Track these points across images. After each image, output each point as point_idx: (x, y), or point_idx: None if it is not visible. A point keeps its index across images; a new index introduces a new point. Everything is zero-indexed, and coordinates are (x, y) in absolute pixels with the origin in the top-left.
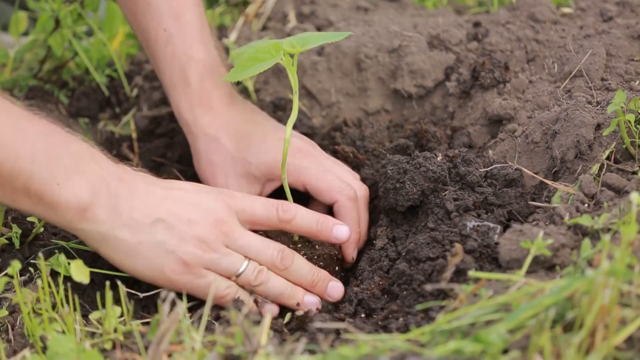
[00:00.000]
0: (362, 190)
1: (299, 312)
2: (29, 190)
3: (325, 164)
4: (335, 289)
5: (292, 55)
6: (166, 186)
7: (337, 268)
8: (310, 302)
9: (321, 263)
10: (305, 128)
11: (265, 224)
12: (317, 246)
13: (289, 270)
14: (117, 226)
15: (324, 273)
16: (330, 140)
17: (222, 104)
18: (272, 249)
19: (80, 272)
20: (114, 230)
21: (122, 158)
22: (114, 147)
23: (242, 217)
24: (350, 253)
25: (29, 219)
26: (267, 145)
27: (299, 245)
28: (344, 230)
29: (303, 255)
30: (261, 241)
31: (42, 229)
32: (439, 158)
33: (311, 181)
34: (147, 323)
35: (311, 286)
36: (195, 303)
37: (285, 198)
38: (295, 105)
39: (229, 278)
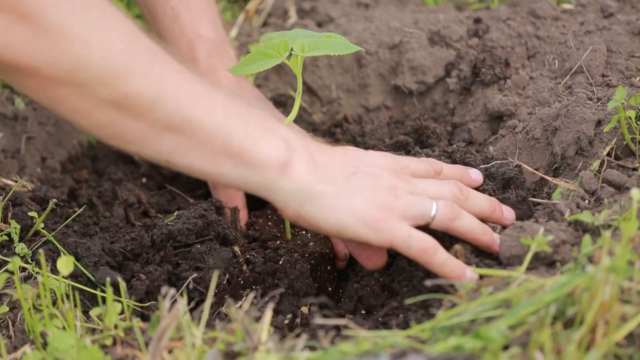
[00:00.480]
0: None
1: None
2: (229, 149)
3: None
4: (509, 212)
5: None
6: (340, 147)
7: (329, 267)
8: (498, 239)
9: (312, 261)
10: (305, 124)
11: (426, 176)
12: (310, 244)
13: (468, 200)
14: (318, 180)
15: (495, 200)
16: (330, 137)
17: (229, 83)
18: (449, 184)
19: (64, 265)
20: (316, 184)
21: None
22: None
23: (407, 172)
24: (342, 250)
25: (29, 214)
26: None
27: (291, 244)
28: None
29: (295, 253)
30: (436, 182)
31: (42, 225)
32: (436, 153)
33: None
34: (148, 319)
35: (491, 212)
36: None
37: None
38: (297, 104)
39: (425, 225)
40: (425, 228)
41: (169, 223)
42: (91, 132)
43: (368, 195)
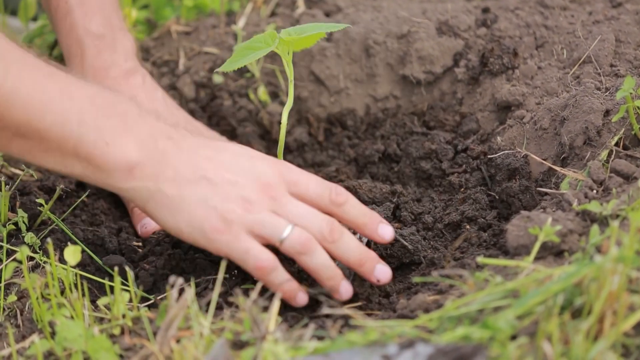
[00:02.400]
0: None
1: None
2: (79, 154)
3: None
4: (383, 272)
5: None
6: (218, 147)
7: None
8: (345, 290)
9: None
10: (312, 114)
11: (316, 202)
12: None
13: (336, 244)
14: (163, 181)
15: (373, 254)
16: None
17: (118, 82)
18: (322, 219)
19: (72, 255)
20: (160, 184)
21: None
22: None
23: (294, 189)
24: None
25: (37, 200)
26: None
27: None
28: (389, 231)
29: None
30: (310, 210)
31: (49, 214)
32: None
33: None
34: (155, 307)
35: (359, 265)
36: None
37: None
38: (291, 93)
39: (271, 246)
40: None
41: None
42: None
43: (212, 204)
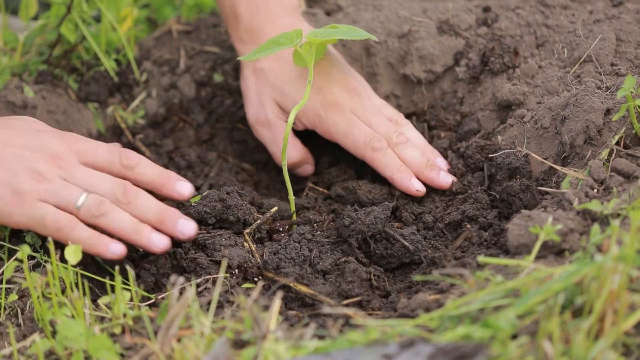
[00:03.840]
0: (402, 135)
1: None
2: None
3: (362, 111)
4: (187, 226)
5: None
6: (4, 123)
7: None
8: (157, 240)
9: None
10: None
11: (108, 168)
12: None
13: (133, 204)
14: None
15: (174, 210)
16: None
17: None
18: (114, 182)
19: (72, 254)
20: None
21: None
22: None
23: (83, 158)
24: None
25: None
26: (303, 89)
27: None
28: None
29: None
30: (101, 175)
31: None
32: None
33: (338, 137)
34: (157, 305)
35: (159, 222)
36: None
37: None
38: (307, 92)
39: (71, 213)
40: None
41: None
42: None
43: (3, 178)
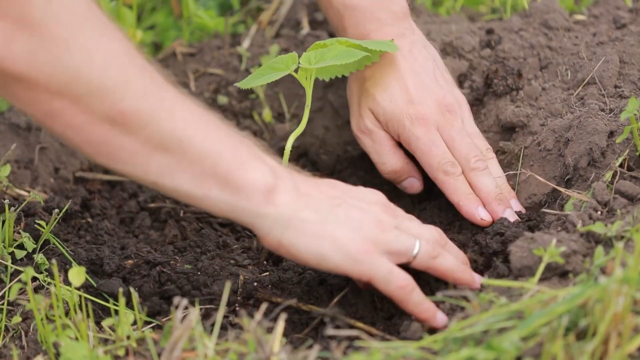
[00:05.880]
0: (481, 161)
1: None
2: (217, 172)
3: (448, 131)
4: (477, 275)
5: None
6: (328, 181)
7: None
8: (477, 276)
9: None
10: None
11: None
12: None
13: (447, 245)
14: (301, 208)
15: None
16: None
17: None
18: (428, 228)
19: (76, 276)
20: (300, 212)
21: None
22: None
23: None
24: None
25: (38, 222)
26: (393, 96)
27: None
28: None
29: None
30: (418, 221)
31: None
32: None
33: (417, 153)
34: (160, 328)
35: (465, 259)
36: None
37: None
38: (305, 118)
39: (406, 263)
40: (405, 268)
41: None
42: (82, 150)
43: (353, 227)
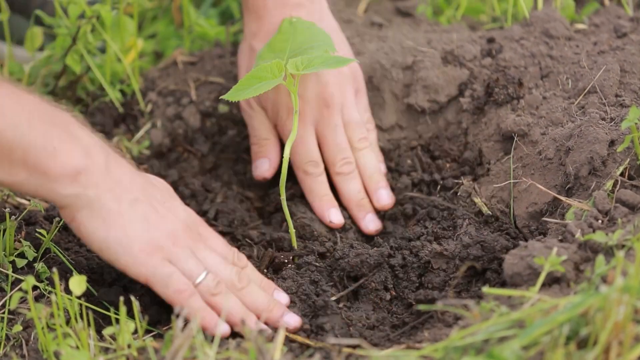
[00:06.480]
0: (348, 164)
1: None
2: (26, 162)
3: (323, 127)
4: (292, 319)
5: (294, 76)
6: (150, 179)
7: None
8: (264, 329)
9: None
10: None
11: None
12: None
13: (244, 291)
14: (104, 192)
15: (281, 303)
16: None
17: (274, 14)
18: (231, 268)
19: (77, 285)
20: (102, 195)
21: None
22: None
23: (206, 243)
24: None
25: (38, 230)
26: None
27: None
28: (294, 320)
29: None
30: (222, 259)
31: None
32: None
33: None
34: (161, 337)
35: (268, 310)
36: None
37: None
38: (295, 124)
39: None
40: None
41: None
42: None
43: (146, 228)
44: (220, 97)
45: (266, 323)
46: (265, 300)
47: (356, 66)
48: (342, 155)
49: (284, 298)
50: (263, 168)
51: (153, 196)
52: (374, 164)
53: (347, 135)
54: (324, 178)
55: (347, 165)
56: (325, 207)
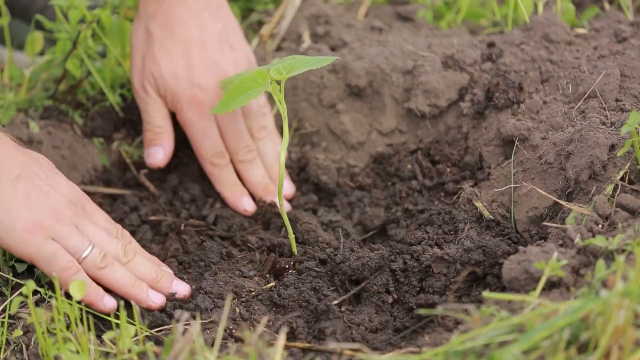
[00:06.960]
0: (250, 152)
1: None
2: None
3: (223, 119)
4: (180, 286)
5: (279, 82)
6: (32, 156)
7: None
8: (154, 296)
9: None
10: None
11: (106, 232)
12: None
13: (130, 263)
14: None
15: (169, 272)
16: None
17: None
18: (117, 242)
19: (77, 290)
20: None
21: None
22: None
23: (90, 217)
24: None
25: None
26: (175, 65)
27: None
28: (183, 287)
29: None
30: (106, 234)
31: None
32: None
33: (189, 138)
34: (161, 341)
35: (154, 282)
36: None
37: None
38: (286, 131)
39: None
40: None
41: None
42: None
43: (28, 206)
44: (209, 112)
45: (157, 290)
46: (154, 270)
47: (249, 52)
48: (244, 143)
49: (169, 270)
50: (157, 157)
51: (35, 173)
52: (274, 153)
53: (247, 124)
54: (231, 168)
55: (249, 153)
56: (237, 196)
